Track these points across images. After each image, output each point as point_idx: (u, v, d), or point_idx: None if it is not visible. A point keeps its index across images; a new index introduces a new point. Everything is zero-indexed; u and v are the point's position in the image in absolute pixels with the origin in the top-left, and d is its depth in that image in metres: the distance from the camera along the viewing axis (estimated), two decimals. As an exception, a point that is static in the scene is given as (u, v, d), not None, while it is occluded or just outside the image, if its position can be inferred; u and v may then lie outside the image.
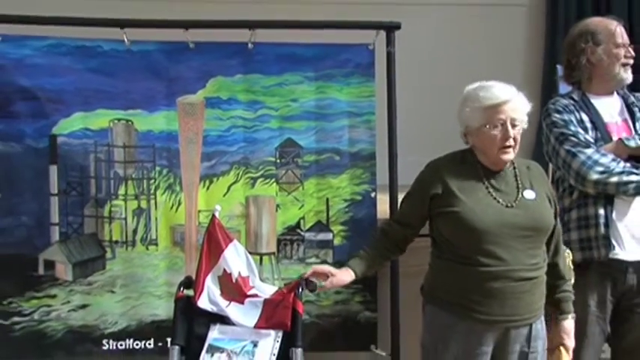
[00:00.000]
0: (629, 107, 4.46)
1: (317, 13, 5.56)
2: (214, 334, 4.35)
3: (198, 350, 4.31)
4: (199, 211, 5.00)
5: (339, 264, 4.87)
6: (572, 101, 4.38)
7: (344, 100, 5.12)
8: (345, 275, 4.01)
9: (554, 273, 3.93)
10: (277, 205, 5.08)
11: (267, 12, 5.37)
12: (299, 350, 4.29)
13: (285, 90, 5.09)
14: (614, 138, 4.29)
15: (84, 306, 4.90)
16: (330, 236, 5.10)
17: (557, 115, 4.32)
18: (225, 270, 4.44)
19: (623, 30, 4.44)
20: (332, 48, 5.15)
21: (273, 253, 5.07)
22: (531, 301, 3.84)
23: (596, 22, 4.53)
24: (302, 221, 5.10)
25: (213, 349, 4.31)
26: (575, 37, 4.47)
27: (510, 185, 3.88)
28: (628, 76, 4.40)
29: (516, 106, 3.82)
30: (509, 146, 3.80)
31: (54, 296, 4.88)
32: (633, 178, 4.17)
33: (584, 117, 4.33)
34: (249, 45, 5.03)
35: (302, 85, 5.10)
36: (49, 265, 4.88)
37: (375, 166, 5.14)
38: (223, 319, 4.36)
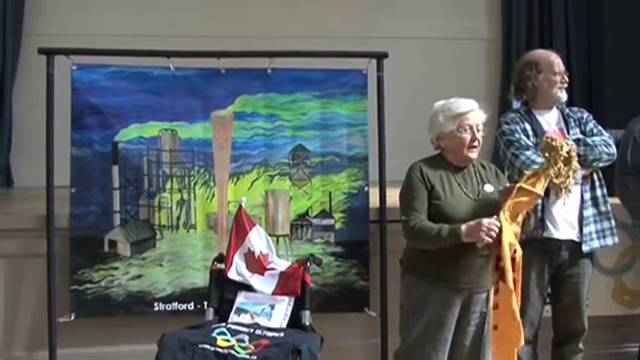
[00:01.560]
0: (564, 118, 4.59)
1: (322, 45, 5.60)
2: (240, 299, 4.52)
3: (228, 311, 4.49)
4: (229, 202, 5.04)
5: (340, 244, 5.10)
6: (518, 114, 4.54)
7: (343, 113, 5.16)
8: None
9: None
10: (290, 197, 5.12)
11: (282, 44, 5.42)
12: (307, 312, 4.47)
13: (296, 106, 5.13)
14: None
15: (139, 276, 4.96)
16: (332, 222, 5.14)
17: (506, 126, 4.50)
18: (249, 248, 4.61)
19: (560, 60, 4.60)
20: (334, 72, 5.20)
21: (287, 235, 5.11)
22: (487, 272, 4.02)
23: (539, 53, 4.68)
24: (310, 210, 5.14)
25: (239, 311, 4.47)
26: (522, 66, 4.62)
27: (473, 181, 4.07)
28: (563, 96, 4.57)
29: (479, 114, 4.03)
30: (475, 146, 4.00)
31: (116, 268, 4.93)
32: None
33: (527, 127, 4.50)
34: (269, 70, 5.09)
35: (310, 102, 5.14)
36: (112, 244, 4.94)
37: (368, 166, 5.19)
38: (248, 287, 4.54)
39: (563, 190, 3.94)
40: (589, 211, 4.46)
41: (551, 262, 4.45)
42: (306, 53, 5.28)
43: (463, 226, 3.79)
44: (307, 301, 4.49)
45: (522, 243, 4.18)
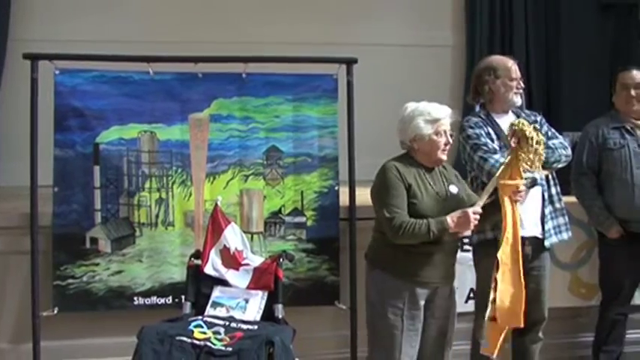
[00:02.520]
0: None
1: (295, 51, 5.57)
2: (216, 293, 4.52)
3: (205, 305, 4.48)
4: (205, 201, 5.02)
5: (311, 241, 5.12)
6: (480, 119, 4.55)
7: (314, 116, 5.16)
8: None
9: None
10: (264, 196, 5.11)
11: (257, 50, 5.39)
12: (280, 306, 4.47)
13: (270, 109, 5.12)
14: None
15: (119, 272, 4.94)
16: (304, 219, 5.14)
17: (471, 130, 4.48)
18: (225, 245, 4.60)
19: (516, 67, 4.62)
20: (306, 77, 5.20)
21: (261, 232, 5.10)
22: (451, 268, 4.09)
23: (497, 59, 4.69)
24: (283, 208, 5.14)
25: (215, 305, 4.48)
26: (481, 71, 4.63)
27: (440, 181, 4.08)
28: (519, 100, 4.59)
29: (449, 120, 4.05)
30: (446, 149, 4.03)
31: (97, 264, 4.91)
32: (528, 175, 4.28)
33: (490, 130, 4.51)
34: (243, 75, 5.08)
35: (283, 105, 5.13)
36: (94, 241, 4.91)
37: (338, 166, 5.19)
38: (223, 282, 4.54)
39: (537, 170, 4.04)
40: (547, 209, 4.51)
41: None
42: (280, 59, 5.27)
43: (448, 218, 3.84)
44: (280, 295, 4.49)
45: (488, 241, 4.25)
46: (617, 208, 4.95)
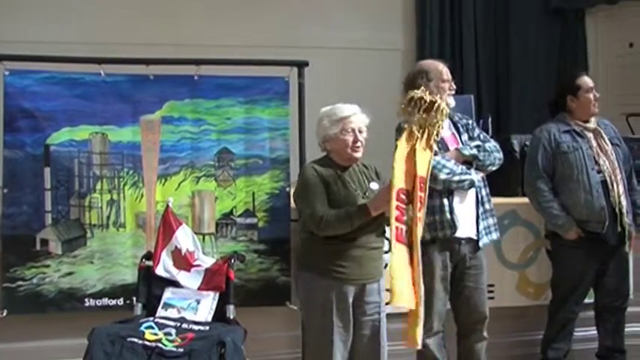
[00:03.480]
0: (454, 124, 4.68)
1: (247, 54, 5.59)
2: (168, 294, 4.53)
3: (156, 306, 4.50)
4: (157, 202, 5.00)
5: (262, 242, 5.13)
6: None
7: (266, 118, 5.16)
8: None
9: None
10: (216, 197, 5.11)
11: (209, 52, 5.40)
12: (231, 306, 4.51)
13: (221, 111, 5.11)
14: (450, 147, 4.53)
15: (70, 273, 4.89)
16: (255, 220, 5.15)
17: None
18: (176, 246, 4.62)
19: (447, 69, 4.65)
20: (257, 79, 5.20)
21: (213, 234, 5.09)
22: (379, 265, 4.20)
23: (428, 63, 4.74)
24: (234, 209, 5.13)
25: (167, 306, 4.49)
26: (413, 75, 4.64)
27: (359, 179, 4.18)
28: (452, 102, 4.60)
29: (360, 118, 4.17)
30: (358, 147, 4.11)
31: (48, 266, 4.86)
32: (467, 177, 4.46)
33: None
34: (195, 77, 5.07)
35: (234, 107, 5.13)
36: (44, 242, 4.86)
37: (289, 168, 5.20)
38: (175, 283, 4.55)
39: (431, 138, 3.96)
40: (481, 209, 4.59)
41: (452, 257, 4.55)
42: (231, 61, 5.29)
43: (368, 203, 3.91)
44: (231, 295, 4.52)
45: (425, 242, 4.25)
46: (576, 210, 5.04)
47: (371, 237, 4.11)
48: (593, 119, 5.14)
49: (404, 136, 3.93)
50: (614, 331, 5.28)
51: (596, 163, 5.05)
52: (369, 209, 3.91)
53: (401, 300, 3.66)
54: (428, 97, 3.95)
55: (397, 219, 3.76)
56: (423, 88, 4.11)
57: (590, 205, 5.00)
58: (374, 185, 4.18)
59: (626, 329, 5.35)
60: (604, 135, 5.14)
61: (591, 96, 5.12)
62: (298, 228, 4.19)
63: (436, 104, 3.94)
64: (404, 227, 3.79)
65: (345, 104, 4.19)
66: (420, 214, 3.83)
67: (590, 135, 5.06)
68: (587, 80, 5.18)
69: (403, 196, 3.81)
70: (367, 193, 4.11)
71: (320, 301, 4.05)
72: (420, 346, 3.83)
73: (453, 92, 4.65)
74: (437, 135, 3.98)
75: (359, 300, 4.11)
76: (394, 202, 3.76)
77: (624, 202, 5.04)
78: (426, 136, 3.94)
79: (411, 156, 3.88)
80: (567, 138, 5.10)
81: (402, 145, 3.90)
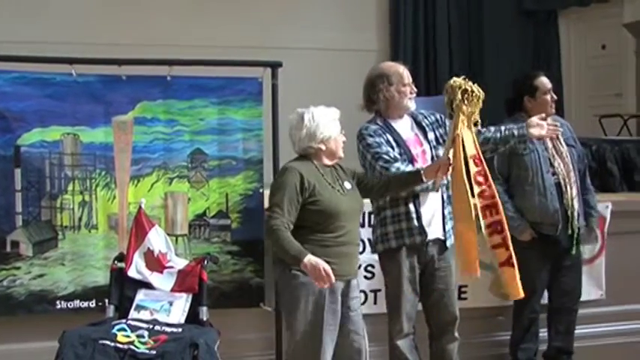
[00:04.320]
0: (418, 124, 4.66)
1: (220, 54, 5.58)
2: (140, 296, 4.51)
3: (128, 308, 4.48)
4: (129, 203, 4.96)
5: (236, 243, 5.11)
6: (378, 126, 4.56)
7: (239, 119, 5.13)
8: None
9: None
10: (189, 199, 5.07)
11: (182, 53, 5.38)
12: (204, 308, 4.50)
13: (194, 111, 5.07)
14: (412, 150, 4.52)
15: (41, 275, 4.85)
16: (228, 222, 5.13)
17: (371, 139, 4.49)
18: (149, 248, 4.60)
19: (408, 72, 4.64)
20: (231, 80, 5.17)
21: (186, 235, 5.06)
22: (358, 260, 4.28)
23: (388, 66, 4.72)
24: (207, 210, 5.10)
25: (139, 308, 4.47)
26: (374, 78, 4.62)
27: (336, 179, 4.21)
28: (413, 105, 4.63)
29: None
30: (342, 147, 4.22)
31: (18, 268, 4.81)
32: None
33: (389, 137, 4.54)
34: (168, 78, 5.03)
35: (208, 108, 5.10)
36: (15, 244, 4.81)
37: (263, 169, 5.18)
38: (147, 285, 4.53)
39: (474, 121, 4.26)
40: (447, 209, 4.58)
41: (420, 259, 4.55)
42: (204, 62, 5.22)
43: (306, 259, 3.86)
44: (204, 297, 4.51)
45: (392, 249, 4.39)
46: (530, 212, 5.08)
47: (356, 233, 4.19)
48: (549, 119, 5.17)
49: (460, 125, 4.20)
50: (565, 332, 5.36)
51: (551, 165, 5.10)
52: (303, 263, 3.85)
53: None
54: (467, 86, 4.23)
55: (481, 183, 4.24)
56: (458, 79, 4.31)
57: (544, 208, 5.04)
58: (347, 184, 4.22)
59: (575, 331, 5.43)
60: (560, 136, 5.16)
61: (549, 97, 5.14)
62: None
63: (470, 90, 4.23)
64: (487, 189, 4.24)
65: (322, 107, 4.21)
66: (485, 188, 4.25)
67: (559, 131, 5.09)
68: (544, 81, 5.19)
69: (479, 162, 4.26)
70: (345, 192, 4.16)
71: (312, 298, 4.04)
72: (478, 274, 4.26)
73: (414, 95, 4.64)
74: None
75: (346, 296, 4.16)
76: (475, 168, 4.20)
77: (576, 205, 5.10)
78: (467, 121, 4.24)
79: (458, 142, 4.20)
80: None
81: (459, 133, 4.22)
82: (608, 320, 5.91)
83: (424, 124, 4.65)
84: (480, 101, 4.30)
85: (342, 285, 4.13)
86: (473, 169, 4.20)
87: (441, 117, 4.74)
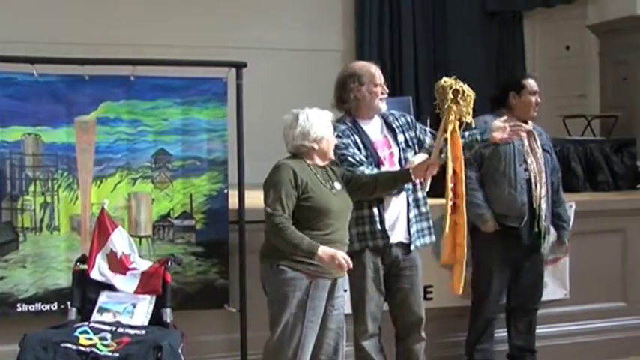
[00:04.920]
0: (389, 125, 4.63)
1: (185, 54, 5.54)
2: (103, 298, 4.47)
3: (91, 311, 4.43)
4: (92, 205, 4.90)
5: (200, 244, 5.08)
6: (347, 126, 4.54)
7: (204, 119, 5.10)
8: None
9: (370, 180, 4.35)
10: (152, 199, 5.04)
11: (146, 53, 5.35)
12: (168, 310, 4.47)
13: (158, 112, 5.03)
14: (379, 152, 4.51)
15: (2, 278, 4.78)
16: (193, 223, 5.09)
17: (339, 140, 4.44)
18: (111, 249, 4.55)
19: (380, 72, 4.61)
20: (195, 80, 5.14)
21: (150, 236, 5.02)
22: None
23: (360, 65, 4.68)
24: (171, 211, 5.06)
25: (102, 310, 4.43)
26: (345, 78, 4.59)
27: (327, 179, 4.22)
28: (384, 106, 4.60)
29: None
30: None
31: (-22, 270, 4.74)
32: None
33: (357, 139, 4.52)
34: (131, 77, 4.99)
35: (171, 108, 5.06)
36: (-26, 246, 4.74)
37: (227, 170, 5.14)
38: (110, 287, 4.49)
39: (467, 118, 4.37)
40: (412, 213, 4.57)
41: (384, 260, 4.54)
42: (168, 62, 5.21)
43: (320, 250, 3.92)
44: (168, 299, 4.48)
45: (355, 251, 4.37)
46: (497, 203, 5.11)
47: (345, 233, 4.21)
48: (530, 123, 5.20)
49: (450, 127, 4.32)
50: (526, 331, 5.40)
51: (525, 161, 5.13)
52: (315, 255, 3.92)
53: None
54: (457, 86, 4.36)
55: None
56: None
57: (512, 200, 5.08)
58: (337, 185, 4.22)
59: (537, 330, 5.47)
60: (537, 138, 5.23)
61: (533, 99, 5.18)
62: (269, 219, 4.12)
63: (462, 89, 4.35)
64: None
65: (317, 109, 4.23)
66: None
67: (523, 134, 5.11)
68: (532, 83, 5.23)
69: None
70: (335, 192, 4.18)
71: (296, 294, 4.04)
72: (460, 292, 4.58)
73: (386, 96, 4.62)
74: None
75: (331, 293, 4.17)
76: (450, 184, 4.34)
77: (544, 206, 5.14)
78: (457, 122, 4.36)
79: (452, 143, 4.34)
80: None
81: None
82: (572, 319, 5.97)
83: (394, 126, 4.63)
84: (472, 101, 4.38)
85: (329, 283, 4.14)
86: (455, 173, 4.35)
87: (411, 119, 4.75)
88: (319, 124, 4.16)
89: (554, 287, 5.82)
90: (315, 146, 4.17)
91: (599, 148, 7.11)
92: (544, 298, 5.63)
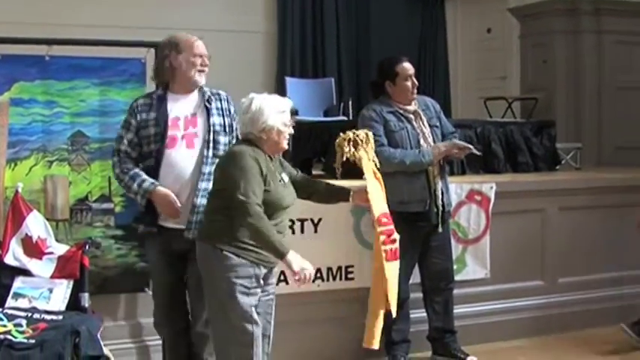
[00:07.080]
0: (206, 106, 4.44)
1: (103, 34, 5.47)
2: (18, 283, 4.38)
3: (5, 297, 4.33)
4: (6, 188, 4.75)
5: (120, 227, 5.00)
6: (150, 99, 4.44)
7: (122, 100, 4.99)
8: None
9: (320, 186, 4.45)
10: (69, 182, 4.94)
11: (62, 32, 5.24)
12: (86, 294, 4.40)
13: (75, 93, 4.94)
14: (170, 131, 4.34)
15: None
16: (112, 206, 5.01)
17: (131, 117, 4.41)
18: (27, 234, 4.47)
19: (201, 43, 4.46)
20: (112, 60, 5.06)
21: (67, 220, 4.92)
22: None
23: (180, 35, 4.49)
24: (89, 194, 4.97)
25: (17, 296, 4.34)
26: (162, 46, 4.47)
27: (279, 170, 4.19)
28: (202, 80, 4.44)
29: None
30: (288, 139, 4.19)
31: None
32: None
33: (153, 115, 4.37)
34: (47, 57, 4.88)
35: (89, 89, 4.97)
36: None
37: (146, 151, 5.08)
38: (25, 272, 4.40)
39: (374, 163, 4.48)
40: None
41: None
42: (85, 42, 5.13)
43: (290, 255, 3.92)
44: (86, 283, 4.41)
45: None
46: (397, 190, 5.03)
47: (287, 224, 4.25)
48: (414, 102, 5.24)
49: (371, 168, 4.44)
50: (443, 311, 5.46)
51: (419, 144, 5.17)
52: (287, 260, 3.91)
53: None
54: (351, 136, 4.46)
55: (385, 242, 4.38)
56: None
57: (412, 185, 5.13)
58: (285, 177, 4.19)
59: (455, 310, 5.54)
60: (423, 117, 5.26)
61: (409, 84, 5.20)
62: (218, 204, 4.03)
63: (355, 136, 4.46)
64: (393, 247, 4.40)
65: (275, 96, 4.18)
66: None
67: (411, 117, 5.16)
68: (406, 67, 5.22)
69: (386, 219, 4.42)
70: (285, 183, 4.16)
71: (245, 283, 3.99)
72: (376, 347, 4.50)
73: (206, 69, 4.45)
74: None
75: (265, 280, 4.15)
76: (379, 229, 4.38)
77: (439, 184, 5.21)
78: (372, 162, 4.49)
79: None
80: (392, 118, 5.19)
81: (369, 178, 4.40)
82: (493, 298, 6.05)
83: (210, 107, 4.45)
84: (372, 140, 4.50)
85: (266, 271, 4.12)
86: (381, 228, 4.40)
87: (232, 108, 4.55)
88: (270, 112, 4.03)
89: (474, 267, 5.90)
90: (264, 136, 4.05)
91: (520, 130, 7.22)
92: (465, 277, 5.73)
